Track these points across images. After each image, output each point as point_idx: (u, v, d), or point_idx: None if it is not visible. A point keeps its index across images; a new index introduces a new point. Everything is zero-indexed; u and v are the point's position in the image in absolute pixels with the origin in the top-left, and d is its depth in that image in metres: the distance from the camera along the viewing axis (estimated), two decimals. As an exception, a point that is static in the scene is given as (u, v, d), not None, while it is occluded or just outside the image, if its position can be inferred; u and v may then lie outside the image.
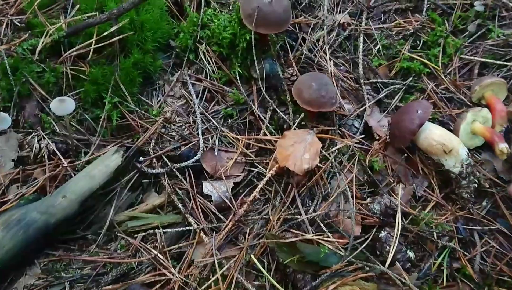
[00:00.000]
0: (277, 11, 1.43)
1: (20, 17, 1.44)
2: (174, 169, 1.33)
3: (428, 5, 1.75)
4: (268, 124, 1.46)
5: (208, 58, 1.53)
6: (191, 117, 1.46)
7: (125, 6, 1.33)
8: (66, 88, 1.38)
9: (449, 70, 1.66)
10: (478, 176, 1.38)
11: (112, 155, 1.26)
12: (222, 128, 1.45)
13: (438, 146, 1.37)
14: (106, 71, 1.38)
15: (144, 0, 1.34)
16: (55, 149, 1.29)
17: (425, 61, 1.64)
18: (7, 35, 1.41)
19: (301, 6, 1.74)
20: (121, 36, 1.37)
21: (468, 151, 1.38)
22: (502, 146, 1.36)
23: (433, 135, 1.38)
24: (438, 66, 1.64)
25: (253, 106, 1.48)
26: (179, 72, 1.52)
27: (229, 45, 1.51)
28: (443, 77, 1.62)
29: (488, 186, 1.40)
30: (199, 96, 1.50)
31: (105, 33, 1.36)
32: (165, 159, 1.36)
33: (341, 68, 1.63)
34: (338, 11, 1.73)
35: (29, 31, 1.42)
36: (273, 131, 1.46)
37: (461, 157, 1.36)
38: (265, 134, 1.46)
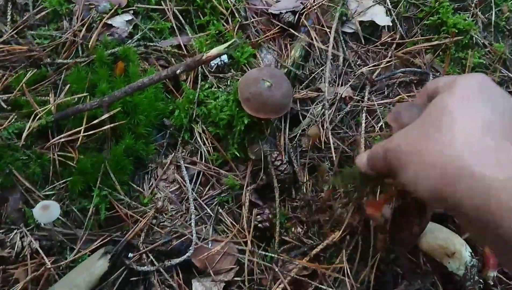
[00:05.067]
0: (277, 96, 1.36)
1: (6, 95, 1.37)
2: (162, 269, 1.26)
3: (434, 78, 1.68)
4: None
5: (204, 138, 1.46)
6: (184, 205, 1.39)
7: (116, 94, 1.26)
8: (53, 175, 1.31)
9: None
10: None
11: (98, 260, 1.18)
12: (215, 219, 1.39)
13: (440, 249, 1.31)
14: (95, 159, 1.30)
15: (137, 90, 1.26)
16: (38, 248, 1.21)
17: (429, 141, 1.57)
18: (-8, 117, 1.34)
19: (302, 78, 1.67)
20: (112, 125, 1.30)
21: (471, 251, 1.33)
22: (490, 274, 1.31)
23: (435, 238, 1.32)
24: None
25: (247, 193, 1.42)
26: (173, 154, 1.44)
27: (226, 126, 1.44)
28: (447, 160, 1.56)
29: (492, 283, 1.34)
30: (193, 180, 1.43)
31: (95, 121, 1.29)
32: (154, 255, 1.29)
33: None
34: (340, 83, 1.66)
35: (16, 112, 1.35)
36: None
37: (464, 259, 1.30)
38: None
